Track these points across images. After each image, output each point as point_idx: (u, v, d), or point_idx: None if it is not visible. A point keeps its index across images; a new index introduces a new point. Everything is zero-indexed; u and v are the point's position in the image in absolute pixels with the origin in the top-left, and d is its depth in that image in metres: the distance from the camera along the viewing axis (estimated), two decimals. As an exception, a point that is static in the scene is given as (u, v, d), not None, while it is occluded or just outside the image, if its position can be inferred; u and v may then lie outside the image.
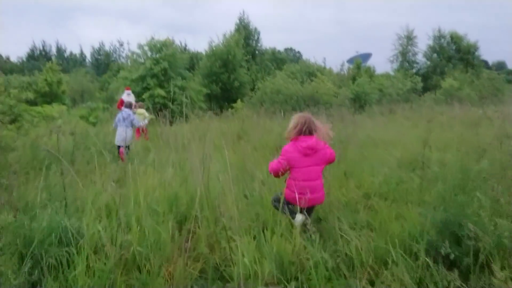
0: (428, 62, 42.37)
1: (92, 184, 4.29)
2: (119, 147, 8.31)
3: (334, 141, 6.71)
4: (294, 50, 60.05)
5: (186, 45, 44.17)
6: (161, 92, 17.47)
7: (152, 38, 19.49)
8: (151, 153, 7.48)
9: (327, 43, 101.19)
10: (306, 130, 3.41)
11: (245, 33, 32.24)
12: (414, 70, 40.28)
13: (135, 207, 3.18)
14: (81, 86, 38.86)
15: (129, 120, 8.35)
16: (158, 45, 19.28)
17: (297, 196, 3.17)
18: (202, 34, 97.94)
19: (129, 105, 8.83)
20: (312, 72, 29.22)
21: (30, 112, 17.91)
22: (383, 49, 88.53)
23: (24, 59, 61.14)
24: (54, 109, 18.82)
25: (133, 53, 19.54)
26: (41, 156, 6.10)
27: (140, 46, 19.42)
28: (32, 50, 61.83)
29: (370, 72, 41.56)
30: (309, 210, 3.31)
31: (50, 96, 23.17)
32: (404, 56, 43.53)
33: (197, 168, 3.97)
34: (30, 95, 23.08)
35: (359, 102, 20.54)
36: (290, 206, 3.44)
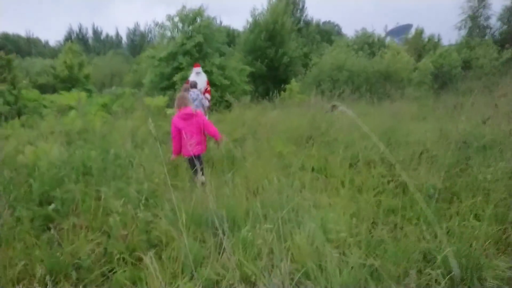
0: (505, 27, 36.68)
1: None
2: None
3: None
4: (333, 23, 55.41)
5: (222, 23, 41.04)
6: (195, 72, 14.44)
7: (184, 7, 16.40)
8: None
9: (363, 16, 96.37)
10: (182, 104, 4.99)
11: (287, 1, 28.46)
12: (486, 37, 35.11)
13: None
14: (111, 69, 36.94)
15: (198, 100, 8.57)
16: (191, 15, 16.18)
17: (189, 149, 4.79)
18: (239, 16, 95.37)
19: (195, 85, 8.86)
20: (371, 43, 25.17)
21: (41, 102, 15.63)
22: (425, 21, 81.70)
23: (62, 43, 63.00)
24: (71, 96, 16.35)
25: (162, 26, 16.56)
26: None
27: (170, 18, 16.42)
28: (69, 33, 64.40)
29: (433, 42, 36.85)
30: (198, 158, 4.95)
31: (70, 81, 20.98)
32: (475, 21, 38.03)
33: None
34: (47, 80, 21.05)
35: (442, 78, 16.59)
36: (190, 161, 4.94)
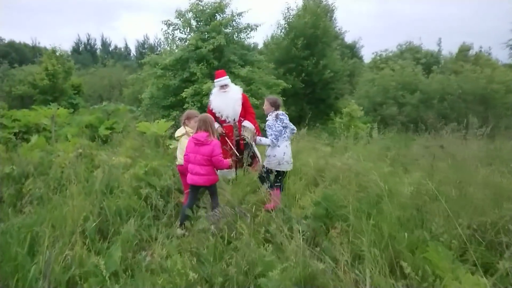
0: None
1: None
2: (277, 174, 5.29)
3: None
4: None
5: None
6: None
7: (199, 0, 12.83)
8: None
9: (369, 37, 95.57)
10: (202, 127, 4.57)
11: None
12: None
13: None
14: (110, 81, 33.57)
15: (290, 129, 5.44)
16: (209, 11, 12.61)
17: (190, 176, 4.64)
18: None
19: (278, 104, 5.39)
20: (426, 61, 21.31)
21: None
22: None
23: (69, 53, 62.97)
24: (44, 113, 12.72)
25: (169, 25, 12.93)
26: None
27: (180, 14, 12.83)
28: (77, 44, 65.15)
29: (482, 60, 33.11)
30: (195, 187, 4.69)
31: (53, 93, 17.43)
32: (528, 38, 34.33)
33: None
34: (23, 91, 17.56)
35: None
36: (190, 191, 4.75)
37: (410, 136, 9.16)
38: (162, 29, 12.91)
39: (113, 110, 14.79)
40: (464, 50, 33.95)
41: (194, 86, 11.37)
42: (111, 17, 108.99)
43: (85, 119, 12.88)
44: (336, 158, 7.48)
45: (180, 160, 5.19)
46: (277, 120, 5.18)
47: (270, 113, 5.29)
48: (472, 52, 30.81)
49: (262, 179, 5.26)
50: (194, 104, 11.09)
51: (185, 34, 13.04)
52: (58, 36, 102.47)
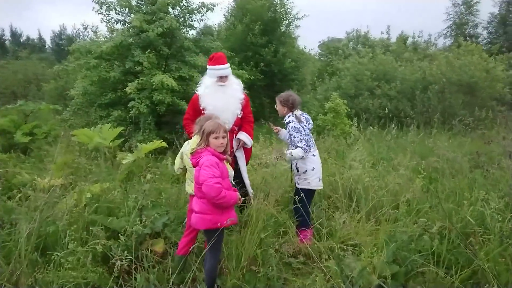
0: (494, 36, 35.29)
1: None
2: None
3: None
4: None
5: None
6: (167, 80, 8.74)
7: (141, -25, 10.70)
8: None
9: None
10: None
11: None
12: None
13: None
14: (25, 76, 29.47)
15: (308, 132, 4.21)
16: (154, -13, 10.53)
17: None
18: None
19: (292, 102, 4.19)
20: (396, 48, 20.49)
21: None
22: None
23: None
24: None
25: (101, 3, 10.57)
26: None
27: (117, -9, 10.57)
28: None
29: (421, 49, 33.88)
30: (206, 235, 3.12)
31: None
32: (461, 29, 36.15)
33: None
34: None
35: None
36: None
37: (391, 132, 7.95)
38: (93, 8, 10.52)
39: (32, 110, 12.12)
40: (402, 40, 34.25)
41: (140, 79, 9.27)
42: (23, 6, 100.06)
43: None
44: (338, 165, 6.06)
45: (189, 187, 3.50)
46: (301, 122, 4.08)
47: (289, 115, 4.16)
48: (421, 39, 31.06)
49: (305, 212, 3.88)
50: (142, 102, 9.04)
51: (123, 15, 10.80)
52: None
